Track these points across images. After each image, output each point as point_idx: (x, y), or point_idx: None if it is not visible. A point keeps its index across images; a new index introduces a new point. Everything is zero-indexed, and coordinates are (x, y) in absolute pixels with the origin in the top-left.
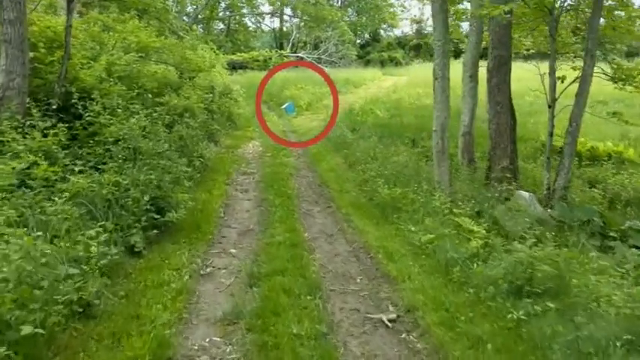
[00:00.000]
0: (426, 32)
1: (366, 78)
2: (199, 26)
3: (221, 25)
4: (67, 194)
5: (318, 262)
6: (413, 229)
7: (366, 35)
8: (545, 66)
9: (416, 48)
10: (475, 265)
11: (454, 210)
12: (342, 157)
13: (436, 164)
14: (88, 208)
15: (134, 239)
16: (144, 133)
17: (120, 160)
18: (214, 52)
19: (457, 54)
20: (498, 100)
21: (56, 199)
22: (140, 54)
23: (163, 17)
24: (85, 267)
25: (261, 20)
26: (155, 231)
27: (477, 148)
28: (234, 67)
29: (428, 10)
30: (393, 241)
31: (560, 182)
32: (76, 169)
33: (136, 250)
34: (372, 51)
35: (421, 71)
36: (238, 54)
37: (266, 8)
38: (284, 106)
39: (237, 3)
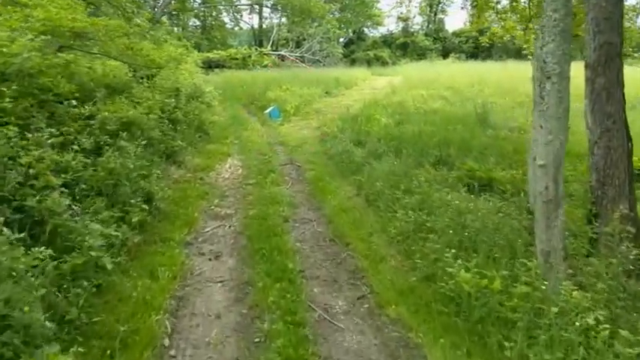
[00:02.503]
0: (412, 30)
1: (357, 78)
2: (172, 21)
3: (197, 22)
4: None
5: None
6: None
7: (350, 33)
8: None
9: (403, 47)
10: None
11: (624, 334)
12: (354, 187)
13: (542, 223)
14: None
15: None
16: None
17: None
18: (186, 47)
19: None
20: (609, 112)
21: None
22: (47, 36)
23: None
24: None
25: (239, 17)
26: None
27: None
28: (210, 65)
29: (414, 9)
30: None
31: None
32: None
33: None
34: (357, 50)
35: (415, 70)
36: (215, 51)
37: (245, 1)
38: (268, 111)
39: None
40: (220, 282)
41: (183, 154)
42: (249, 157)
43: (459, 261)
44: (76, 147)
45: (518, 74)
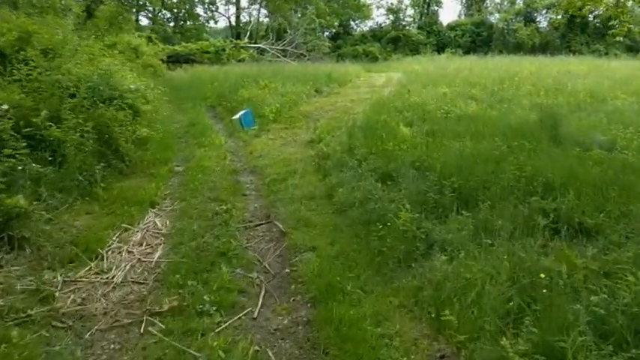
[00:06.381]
0: (404, 23)
1: (350, 74)
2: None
3: (167, 14)
4: None
5: None
6: None
7: (336, 25)
8: None
9: (394, 41)
10: None
11: None
12: (424, 325)
13: None
14: None
15: None
16: None
17: None
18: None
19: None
20: None
21: None
22: None
23: None
24: None
25: (213, 8)
26: None
27: None
28: (178, 60)
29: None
30: None
31: None
32: None
33: None
34: (344, 44)
35: (417, 65)
36: (184, 44)
37: None
38: (237, 116)
39: None
40: None
41: (39, 219)
42: (191, 207)
43: None
44: None
45: (549, 68)
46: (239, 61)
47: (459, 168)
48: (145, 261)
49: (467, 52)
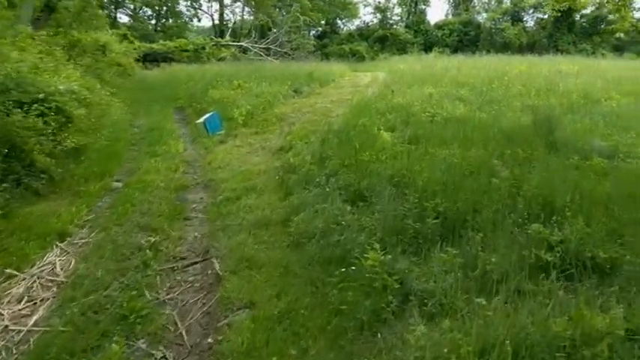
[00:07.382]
0: (391, 22)
1: (334, 73)
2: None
3: (149, 12)
4: None
5: None
6: None
7: (322, 23)
8: None
9: (381, 40)
10: None
11: None
12: None
13: None
14: None
15: None
16: None
17: None
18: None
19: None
20: None
21: None
22: None
23: None
24: None
25: (197, 6)
26: None
27: None
28: (155, 59)
29: None
30: None
31: None
32: None
33: None
34: (330, 43)
35: (403, 64)
36: (162, 42)
37: None
38: (202, 120)
39: None
40: None
41: None
42: (109, 239)
43: None
44: None
45: (538, 68)
46: (219, 59)
47: (444, 185)
48: (14, 330)
49: (454, 51)
